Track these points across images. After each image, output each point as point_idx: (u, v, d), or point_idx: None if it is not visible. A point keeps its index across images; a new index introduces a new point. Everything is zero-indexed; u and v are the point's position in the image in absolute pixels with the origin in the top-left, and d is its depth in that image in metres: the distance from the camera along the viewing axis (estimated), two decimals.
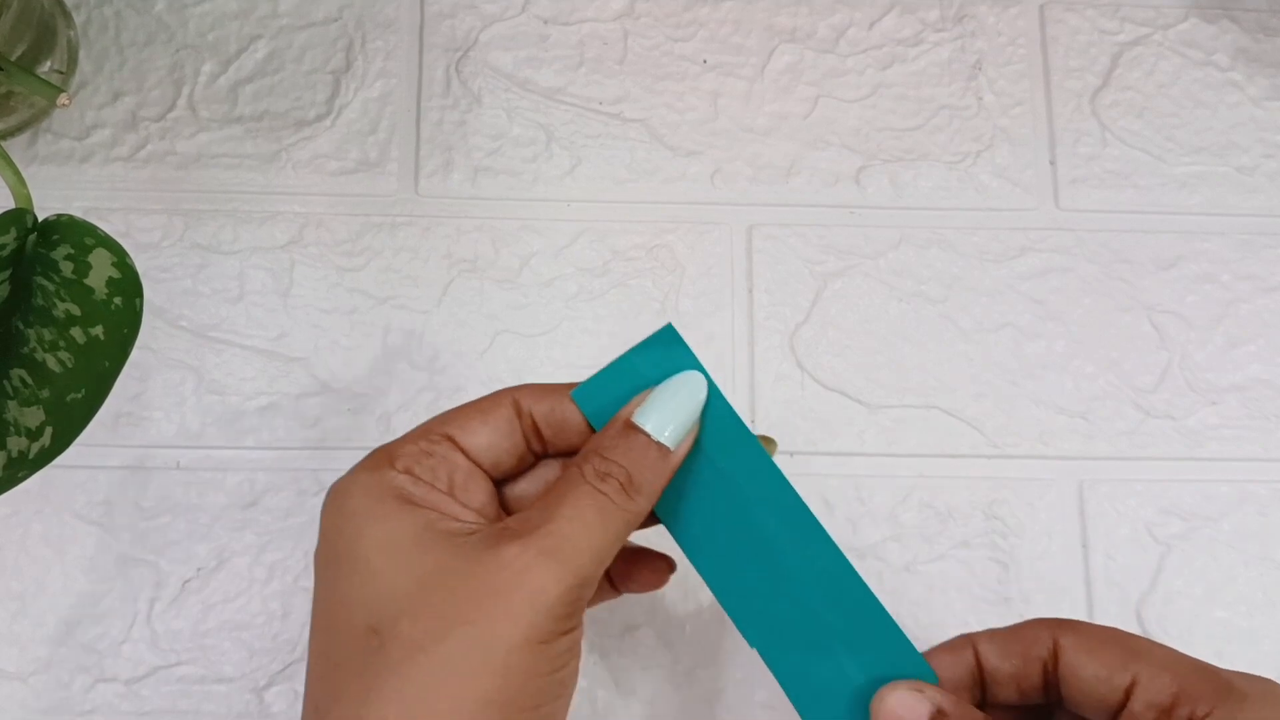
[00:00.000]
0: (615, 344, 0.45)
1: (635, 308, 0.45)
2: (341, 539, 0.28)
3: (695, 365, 0.30)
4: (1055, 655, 0.28)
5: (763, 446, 0.30)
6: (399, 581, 0.27)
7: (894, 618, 0.30)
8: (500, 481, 0.31)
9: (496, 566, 0.26)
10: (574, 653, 0.28)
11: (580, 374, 0.44)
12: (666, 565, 0.33)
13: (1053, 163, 0.48)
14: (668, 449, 0.29)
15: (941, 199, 0.47)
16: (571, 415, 0.30)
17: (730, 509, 0.30)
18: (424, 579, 0.26)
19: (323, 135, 0.46)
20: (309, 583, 0.42)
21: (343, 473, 0.29)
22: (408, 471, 0.29)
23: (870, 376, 0.45)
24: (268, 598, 0.42)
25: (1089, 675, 0.28)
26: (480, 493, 0.30)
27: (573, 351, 0.44)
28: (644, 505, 0.28)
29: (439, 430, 0.30)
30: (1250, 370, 0.46)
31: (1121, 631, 0.29)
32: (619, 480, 0.28)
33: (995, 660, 0.29)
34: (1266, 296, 0.46)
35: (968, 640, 0.30)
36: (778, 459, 0.31)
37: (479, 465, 0.30)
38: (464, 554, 0.27)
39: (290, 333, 0.44)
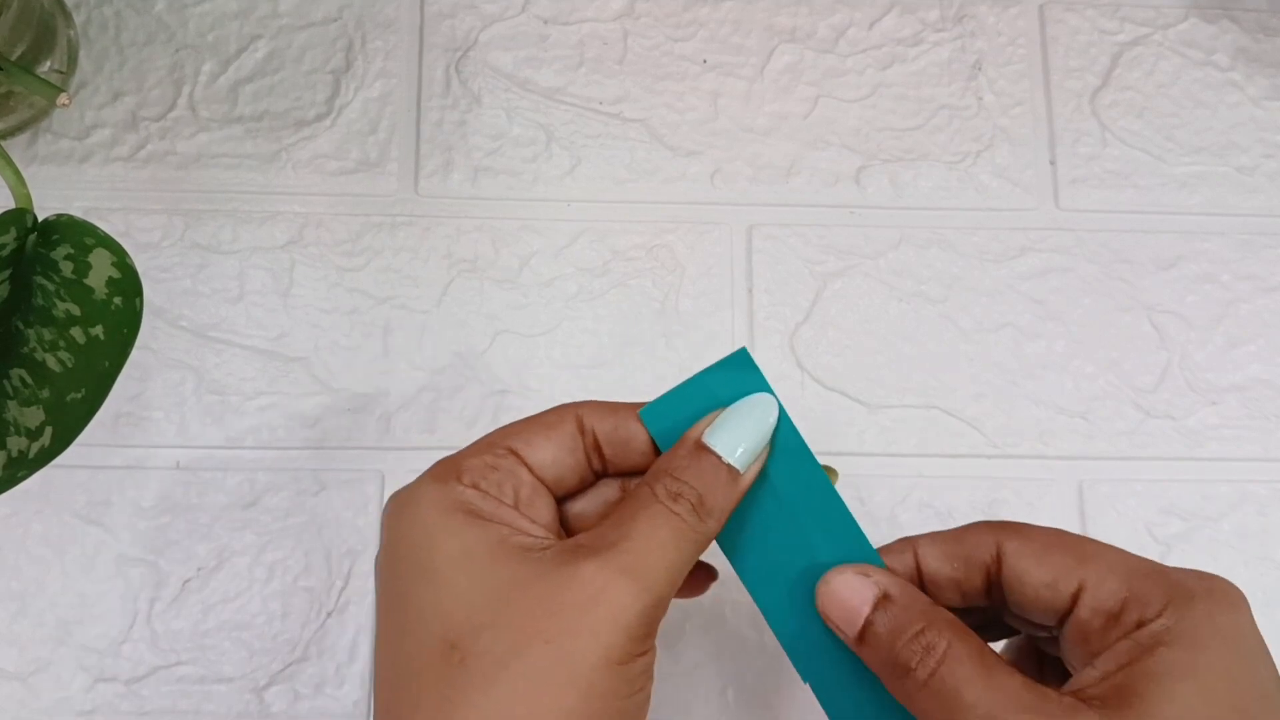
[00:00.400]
0: (615, 344, 0.45)
1: (635, 308, 0.45)
2: (413, 550, 0.28)
3: (766, 389, 0.30)
4: (999, 560, 0.28)
5: (827, 477, 0.30)
6: (475, 595, 0.26)
7: None
8: (561, 499, 0.31)
9: (575, 583, 0.26)
10: (649, 675, 0.27)
11: (580, 374, 0.44)
12: (708, 575, 0.33)
13: (1053, 163, 0.48)
14: (738, 471, 0.28)
15: (941, 199, 0.47)
16: (635, 435, 0.30)
17: (789, 538, 0.30)
18: (501, 593, 0.26)
19: (323, 135, 0.46)
20: (309, 582, 0.42)
21: (408, 480, 0.29)
22: (474, 486, 0.28)
23: (870, 376, 0.45)
24: (268, 598, 0.42)
25: (1034, 581, 0.27)
26: (545, 509, 0.29)
27: (573, 351, 0.44)
28: (714, 527, 0.28)
29: (503, 444, 0.29)
30: (1250, 370, 0.46)
31: (1068, 534, 0.28)
32: (691, 501, 0.28)
33: (936, 564, 0.29)
34: (1266, 296, 0.46)
35: (908, 543, 0.29)
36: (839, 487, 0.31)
37: (542, 481, 0.30)
38: (540, 569, 0.26)
39: (290, 333, 0.44)
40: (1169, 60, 0.49)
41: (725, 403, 0.30)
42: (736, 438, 0.29)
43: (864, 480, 0.44)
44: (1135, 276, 0.46)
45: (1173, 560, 0.43)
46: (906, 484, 0.44)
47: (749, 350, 0.31)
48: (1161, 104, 0.48)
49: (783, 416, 0.30)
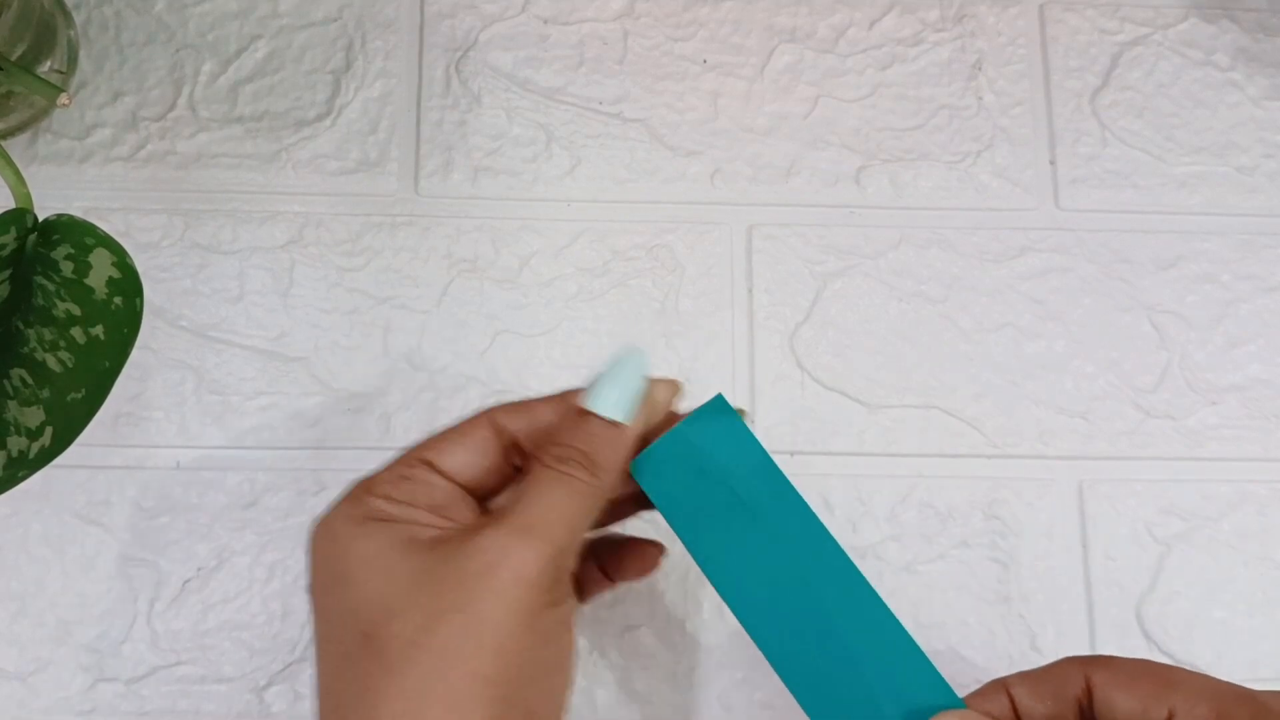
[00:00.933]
0: (615, 344, 0.45)
1: (635, 308, 0.45)
2: (327, 561, 0.29)
3: (748, 434, 0.31)
4: (1089, 693, 0.29)
5: (795, 490, 0.31)
6: (386, 588, 0.27)
7: (923, 651, 0.30)
8: (484, 498, 0.32)
9: (476, 552, 0.27)
10: (565, 626, 0.29)
11: (580, 374, 0.44)
12: (657, 550, 0.34)
13: (1053, 162, 0.48)
14: (621, 423, 0.30)
15: (941, 199, 0.47)
16: (548, 424, 0.31)
17: (762, 551, 0.31)
18: (408, 580, 0.27)
19: (323, 135, 0.46)
20: (309, 582, 0.42)
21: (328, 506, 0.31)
22: (385, 497, 0.30)
23: (870, 376, 0.45)
24: (268, 598, 0.42)
25: (1125, 711, 0.28)
26: (465, 511, 0.30)
27: (573, 351, 0.44)
28: (608, 479, 0.30)
29: (415, 456, 0.31)
30: (1250, 370, 0.46)
31: (1155, 663, 0.29)
32: (578, 461, 0.29)
33: (1029, 702, 0.30)
34: (1266, 296, 0.46)
35: (1000, 685, 0.30)
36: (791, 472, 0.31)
37: (459, 484, 0.31)
38: (445, 552, 0.28)
39: (290, 333, 0.44)
40: (1169, 60, 0.49)
41: (709, 454, 0.31)
42: (611, 393, 0.30)
43: (864, 480, 0.44)
44: (1135, 276, 0.46)
45: (1172, 559, 0.44)
46: (906, 484, 0.44)
47: (724, 397, 0.32)
48: (1161, 104, 0.48)
49: (742, 432, 0.31)
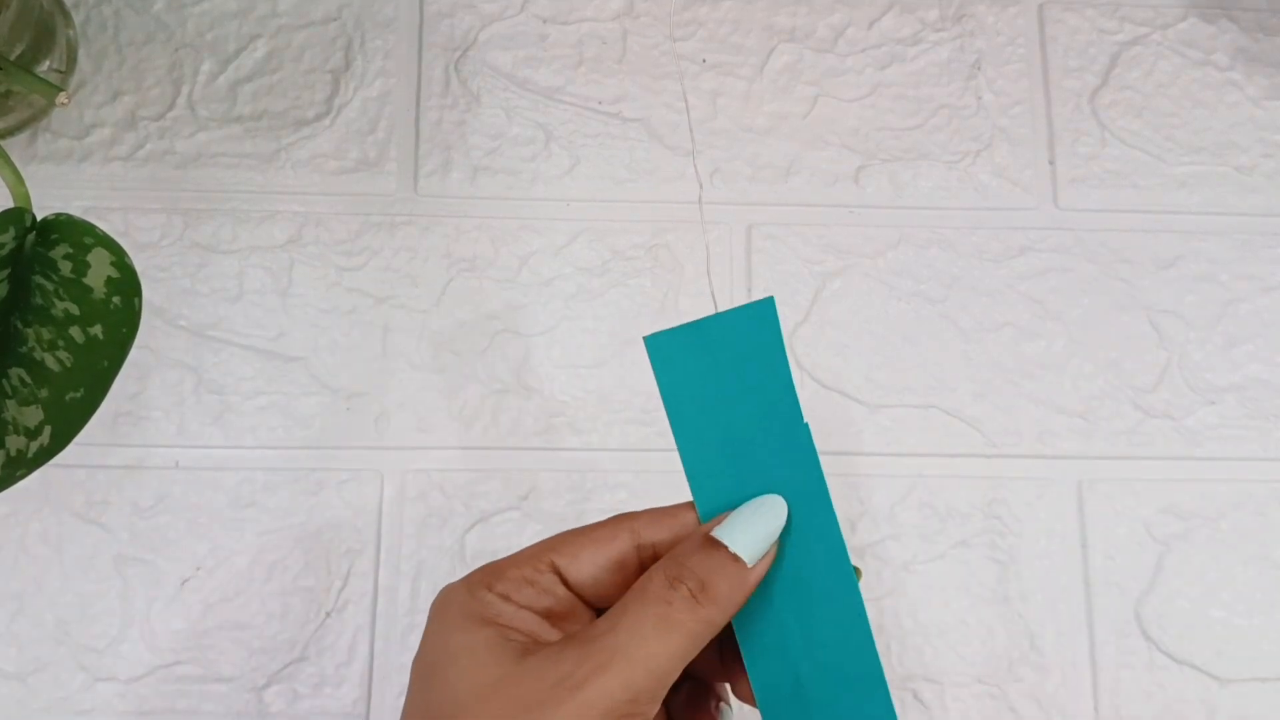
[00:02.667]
0: (615, 344, 0.45)
1: (635, 307, 0.45)
2: (428, 645, 0.29)
3: (781, 349, 0.30)
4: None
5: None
6: (464, 689, 0.28)
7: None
8: (609, 606, 0.31)
9: (553, 678, 0.27)
10: None
11: (580, 374, 0.44)
12: (717, 704, 0.33)
13: (1052, 162, 0.48)
14: (745, 563, 0.29)
15: (941, 198, 0.47)
16: (678, 536, 0.31)
17: (749, 461, 0.30)
18: (486, 686, 0.27)
19: (322, 135, 0.46)
20: (308, 582, 0.42)
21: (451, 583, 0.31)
22: (504, 597, 0.30)
23: (870, 376, 0.45)
24: (267, 597, 0.42)
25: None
26: (579, 621, 0.30)
27: (572, 351, 0.44)
28: (714, 616, 0.28)
29: (546, 558, 0.30)
30: (1249, 370, 0.46)
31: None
32: (689, 588, 0.28)
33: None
34: (1265, 296, 0.46)
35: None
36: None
37: (581, 596, 0.30)
38: (527, 666, 0.28)
39: (289, 332, 0.44)
40: (1168, 60, 0.49)
41: (738, 359, 0.30)
42: (749, 531, 0.29)
43: (864, 480, 0.44)
44: (1134, 276, 0.46)
45: (1171, 559, 0.44)
46: (906, 484, 0.44)
47: (775, 303, 0.30)
48: (1161, 104, 0.48)
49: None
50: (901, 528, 0.43)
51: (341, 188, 0.46)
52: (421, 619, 0.42)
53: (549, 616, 0.30)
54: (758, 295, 0.45)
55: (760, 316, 0.30)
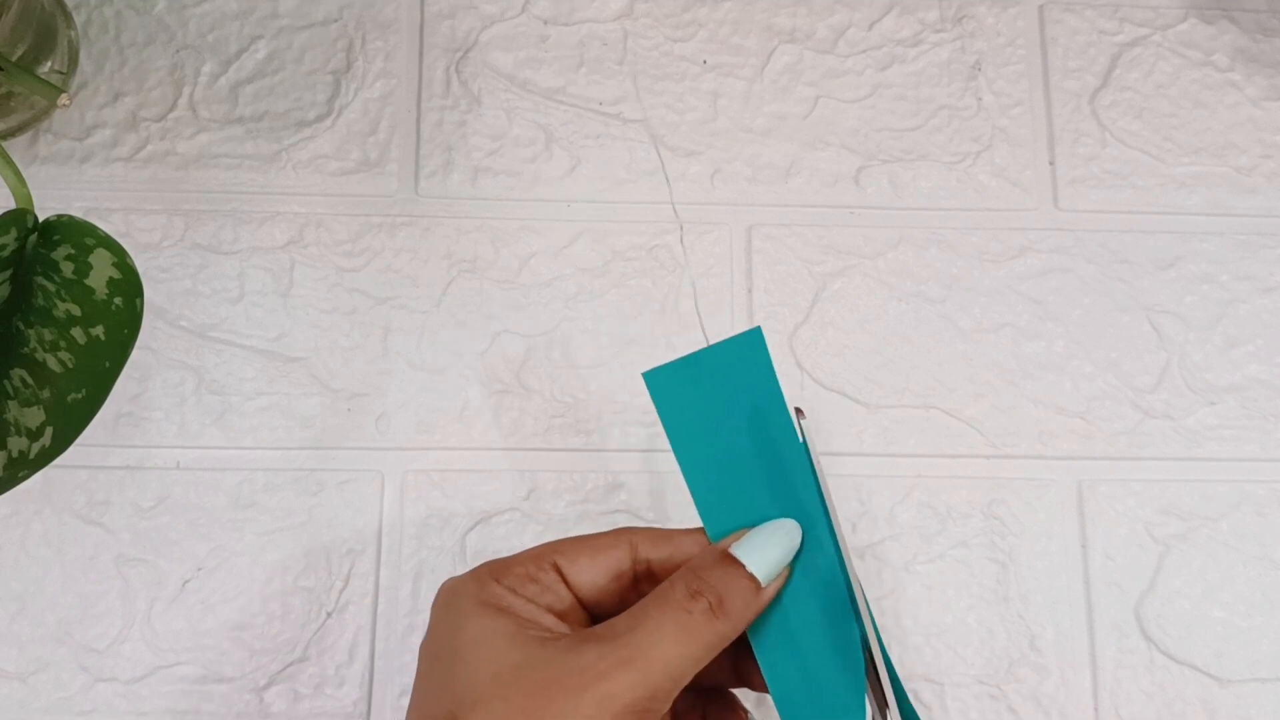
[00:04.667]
0: (615, 344, 0.45)
1: (635, 308, 0.45)
2: (440, 632, 0.30)
3: (772, 376, 0.32)
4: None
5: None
6: (482, 674, 0.28)
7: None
8: (597, 615, 0.32)
9: (574, 668, 0.28)
10: None
11: (580, 374, 0.44)
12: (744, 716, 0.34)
13: (1052, 163, 0.48)
14: (760, 583, 0.30)
15: (941, 199, 0.47)
16: (687, 556, 0.32)
17: (752, 485, 0.32)
18: (505, 673, 0.28)
19: (323, 135, 0.46)
20: (308, 582, 0.42)
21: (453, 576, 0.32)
22: (510, 589, 0.30)
23: (869, 376, 0.45)
24: (267, 598, 0.42)
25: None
26: (576, 623, 0.31)
27: (573, 351, 0.45)
28: (728, 630, 0.29)
29: (550, 557, 0.31)
30: (1249, 370, 0.46)
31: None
32: (709, 601, 0.29)
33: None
34: (1265, 297, 0.46)
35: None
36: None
37: (579, 599, 0.31)
38: (546, 654, 0.28)
39: (290, 333, 0.44)
40: (1168, 61, 0.49)
41: (733, 387, 0.31)
42: (765, 551, 0.30)
43: (863, 480, 0.44)
44: (1134, 277, 0.46)
45: (1171, 559, 0.44)
46: (906, 484, 0.44)
47: (763, 332, 0.32)
48: (1160, 104, 0.48)
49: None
50: (901, 528, 0.43)
51: (342, 189, 0.46)
52: (422, 619, 0.42)
53: (552, 612, 0.31)
54: (758, 295, 0.45)
55: (750, 346, 0.32)
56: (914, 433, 0.44)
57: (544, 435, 0.44)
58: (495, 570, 0.31)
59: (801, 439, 0.32)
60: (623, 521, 0.43)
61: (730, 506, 0.32)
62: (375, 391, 0.44)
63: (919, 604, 0.43)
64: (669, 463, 0.44)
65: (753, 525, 0.31)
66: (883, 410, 0.45)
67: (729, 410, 0.32)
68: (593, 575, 0.31)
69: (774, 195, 0.47)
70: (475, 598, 0.30)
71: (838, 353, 0.45)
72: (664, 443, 0.44)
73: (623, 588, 0.32)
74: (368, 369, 0.44)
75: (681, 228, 0.46)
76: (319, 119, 0.46)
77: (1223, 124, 0.48)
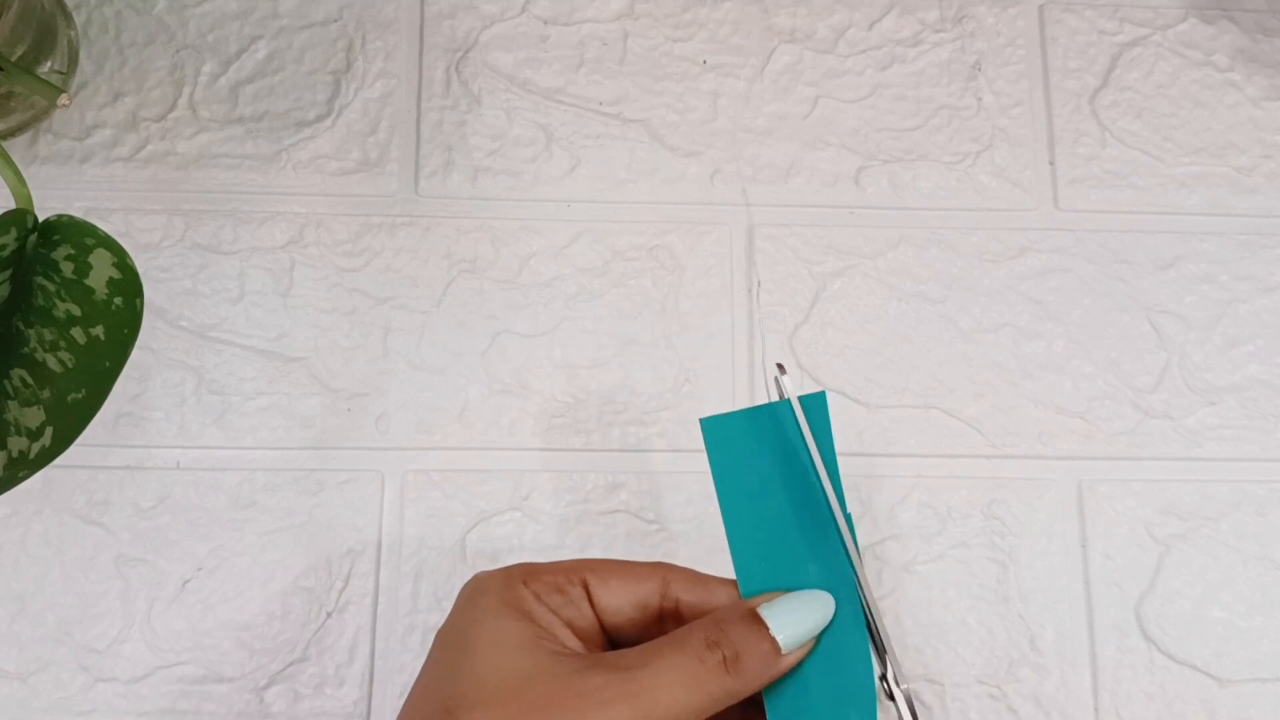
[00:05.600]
0: (615, 344, 0.45)
1: (635, 308, 0.45)
2: (459, 624, 0.30)
3: (829, 441, 0.31)
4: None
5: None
6: (488, 676, 0.28)
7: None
8: (614, 642, 0.32)
9: (577, 690, 0.28)
10: None
11: (580, 374, 0.44)
12: None
13: (1052, 163, 0.48)
14: (781, 648, 0.29)
15: (941, 199, 0.47)
16: (716, 606, 0.31)
17: (789, 547, 0.31)
18: (509, 680, 0.28)
19: (323, 135, 0.46)
20: (309, 582, 0.42)
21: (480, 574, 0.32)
22: (537, 596, 0.30)
23: (869, 376, 0.45)
24: (268, 598, 0.42)
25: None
26: (592, 643, 0.31)
27: (573, 352, 0.45)
28: (738, 688, 0.29)
29: (582, 573, 0.31)
30: (1249, 370, 0.46)
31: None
32: (725, 655, 0.29)
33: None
34: (1265, 297, 0.46)
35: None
36: None
37: (601, 620, 0.31)
38: (553, 669, 0.28)
39: (290, 333, 0.44)
40: (1168, 61, 0.49)
41: (788, 450, 0.31)
42: (793, 619, 0.30)
43: (863, 480, 0.44)
44: (1134, 277, 0.46)
45: (1171, 559, 0.44)
46: (906, 484, 0.44)
47: (828, 397, 0.32)
48: (1160, 104, 0.48)
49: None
50: (901, 528, 0.43)
51: (342, 189, 0.46)
52: (422, 619, 0.42)
53: (571, 627, 0.30)
54: (758, 296, 0.45)
55: (813, 408, 0.31)
56: (914, 433, 0.44)
57: (544, 435, 0.44)
58: (526, 573, 0.31)
59: (781, 396, 0.31)
60: (622, 522, 0.43)
61: (767, 565, 0.31)
62: (375, 391, 0.44)
63: (919, 604, 0.43)
64: (669, 463, 0.44)
65: (788, 589, 0.31)
66: (883, 410, 0.45)
67: (781, 469, 0.31)
68: (620, 601, 0.31)
69: (774, 195, 0.47)
70: (500, 596, 0.30)
71: (838, 353, 0.45)
72: (664, 442, 0.44)
73: (646, 620, 0.31)
74: (368, 369, 0.44)
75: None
76: (319, 119, 0.46)
77: (1223, 124, 0.48)
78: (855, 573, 0.31)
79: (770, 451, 0.32)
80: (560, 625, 0.30)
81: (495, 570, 0.31)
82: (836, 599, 0.30)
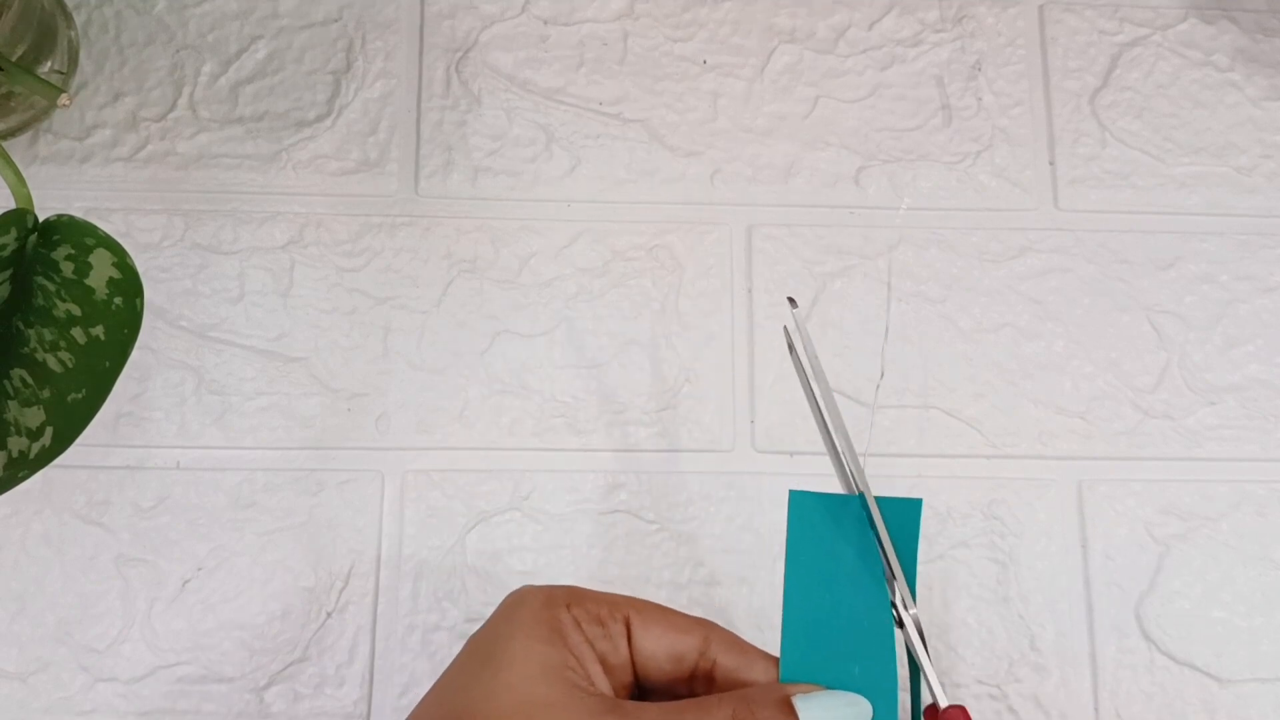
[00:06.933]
0: (615, 344, 0.45)
1: (635, 308, 0.45)
2: (494, 631, 0.30)
3: (913, 555, 0.31)
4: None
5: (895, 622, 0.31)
6: (506, 695, 0.28)
7: None
8: (642, 689, 0.32)
9: None
10: None
11: (580, 374, 0.44)
12: None
13: (1052, 163, 0.48)
14: None
15: (941, 199, 0.47)
16: (754, 679, 0.31)
17: (839, 622, 0.31)
18: (525, 706, 0.28)
19: (323, 135, 0.46)
20: (309, 582, 0.42)
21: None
22: (576, 623, 0.30)
23: (869, 376, 0.45)
24: (267, 598, 0.42)
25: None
26: (619, 683, 0.31)
27: (573, 352, 0.45)
28: None
29: (626, 610, 0.31)
30: (1248, 370, 0.46)
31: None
32: None
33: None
34: (1265, 297, 0.46)
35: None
36: None
37: (634, 661, 0.31)
38: (571, 706, 0.28)
39: (290, 333, 0.44)
40: (1168, 61, 0.49)
41: (870, 547, 0.31)
42: (822, 716, 0.29)
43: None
44: (1134, 277, 0.46)
45: (1171, 559, 0.44)
46: (906, 484, 0.44)
47: (922, 506, 0.31)
48: (1160, 104, 0.48)
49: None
50: None
51: (342, 189, 0.46)
52: (422, 619, 0.42)
53: (602, 662, 0.30)
54: (759, 295, 0.45)
55: (905, 514, 0.31)
56: (914, 433, 0.44)
57: (544, 435, 0.44)
58: (571, 596, 0.31)
59: (794, 332, 0.31)
60: (622, 522, 0.43)
61: (814, 654, 0.30)
62: (375, 391, 0.44)
63: (919, 604, 0.43)
64: (669, 463, 0.44)
65: (827, 684, 0.30)
66: (883, 410, 0.45)
67: (856, 562, 0.31)
68: (657, 647, 0.31)
69: (774, 195, 0.47)
70: (538, 614, 0.30)
71: (838, 353, 0.45)
72: (664, 442, 0.44)
73: (679, 674, 0.31)
74: (368, 369, 0.44)
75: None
76: (319, 119, 0.46)
77: (1223, 124, 0.48)
78: (924, 674, 0.30)
79: (851, 543, 0.31)
80: (592, 658, 0.30)
81: (542, 586, 0.31)
82: (874, 709, 0.30)
